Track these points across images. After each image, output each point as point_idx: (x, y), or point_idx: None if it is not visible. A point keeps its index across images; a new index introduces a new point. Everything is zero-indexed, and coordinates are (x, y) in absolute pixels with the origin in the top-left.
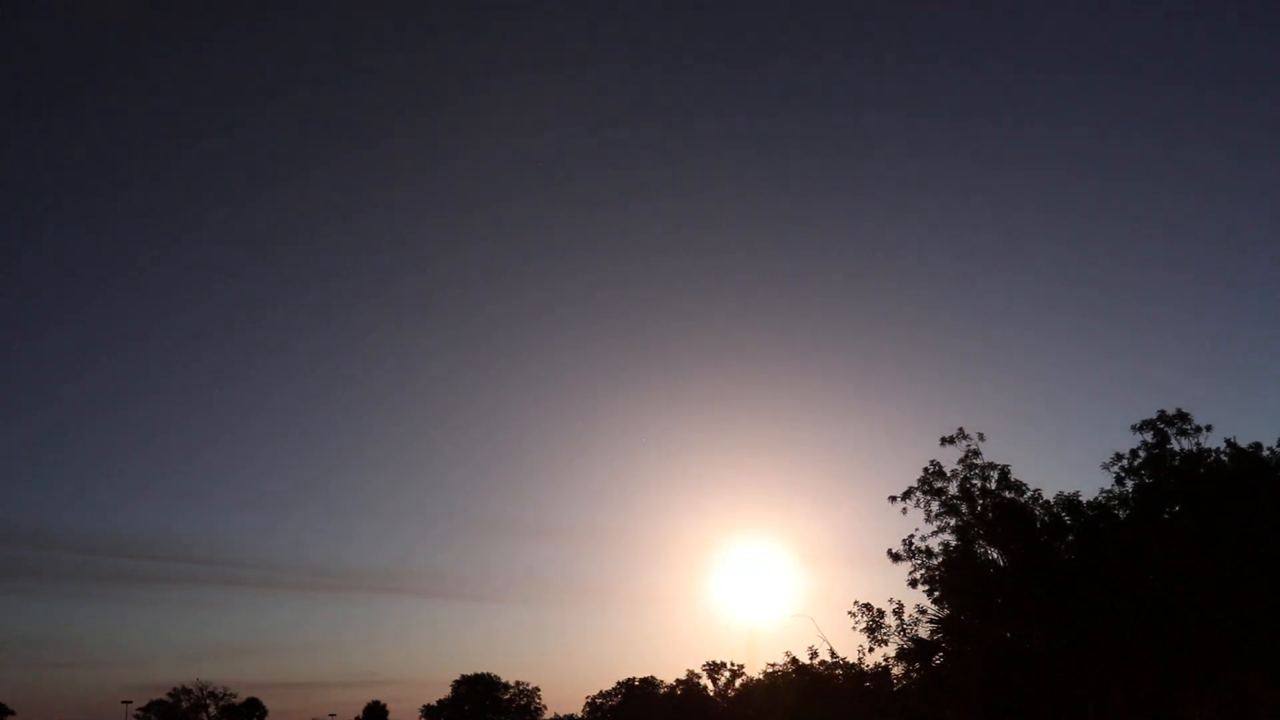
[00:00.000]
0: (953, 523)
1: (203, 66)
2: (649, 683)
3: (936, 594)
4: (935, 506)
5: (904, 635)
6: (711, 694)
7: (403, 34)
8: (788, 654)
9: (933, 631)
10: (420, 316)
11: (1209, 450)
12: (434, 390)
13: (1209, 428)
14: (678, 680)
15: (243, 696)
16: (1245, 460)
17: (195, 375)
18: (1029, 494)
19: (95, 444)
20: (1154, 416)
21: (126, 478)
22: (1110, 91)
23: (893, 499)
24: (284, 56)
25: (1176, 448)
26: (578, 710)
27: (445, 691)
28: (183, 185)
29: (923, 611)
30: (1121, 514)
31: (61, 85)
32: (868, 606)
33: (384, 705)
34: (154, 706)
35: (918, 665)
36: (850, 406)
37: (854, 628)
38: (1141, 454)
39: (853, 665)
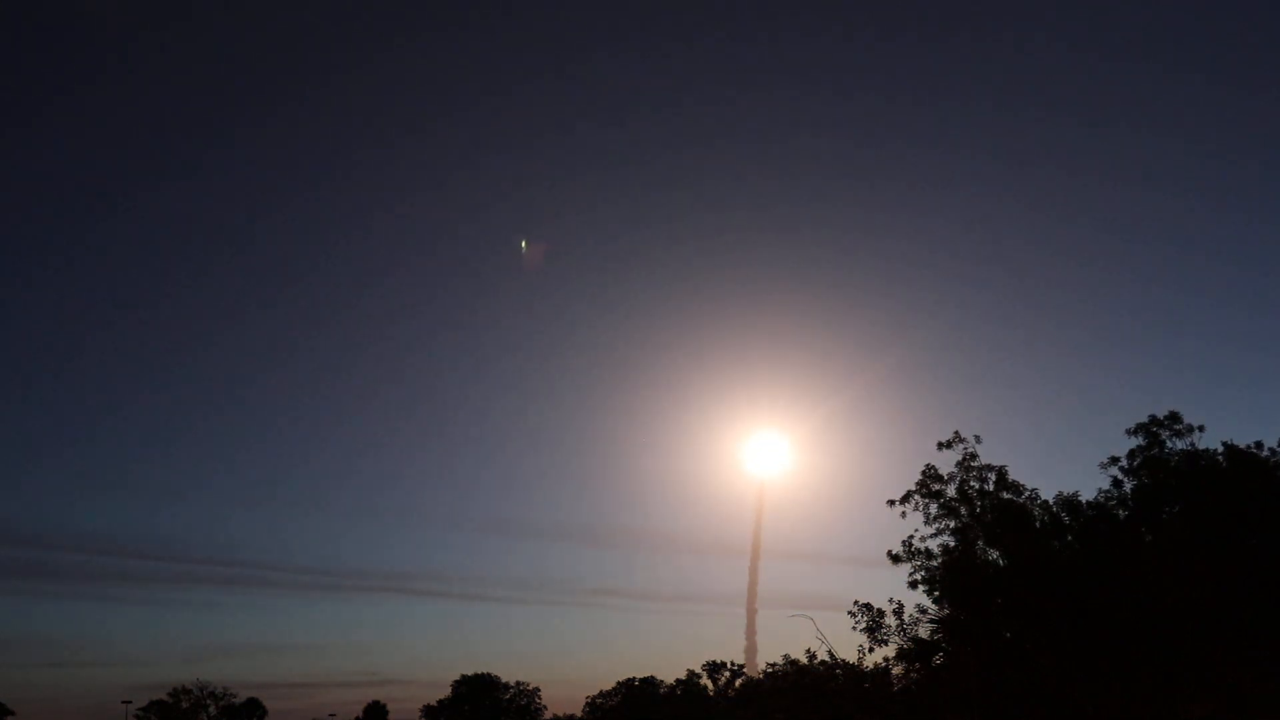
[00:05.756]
0: (951, 524)
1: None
2: (649, 683)
3: (936, 594)
4: (934, 509)
5: (904, 635)
6: (711, 694)
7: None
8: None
9: (933, 632)
10: (420, 317)
11: (1204, 451)
12: (434, 390)
13: (1201, 428)
14: (678, 680)
15: (243, 696)
16: (1242, 460)
17: (195, 376)
18: (1027, 494)
19: (95, 444)
20: (1146, 420)
21: (126, 477)
22: (1111, 92)
23: (891, 503)
24: (278, 59)
25: (1171, 448)
26: (578, 710)
27: (445, 691)
28: (184, 189)
29: (923, 611)
30: (1121, 514)
31: (56, 82)
32: (868, 606)
33: (384, 705)
34: (154, 706)
35: (918, 665)
36: (848, 408)
37: (854, 628)
38: (1139, 456)
39: (852, 665)
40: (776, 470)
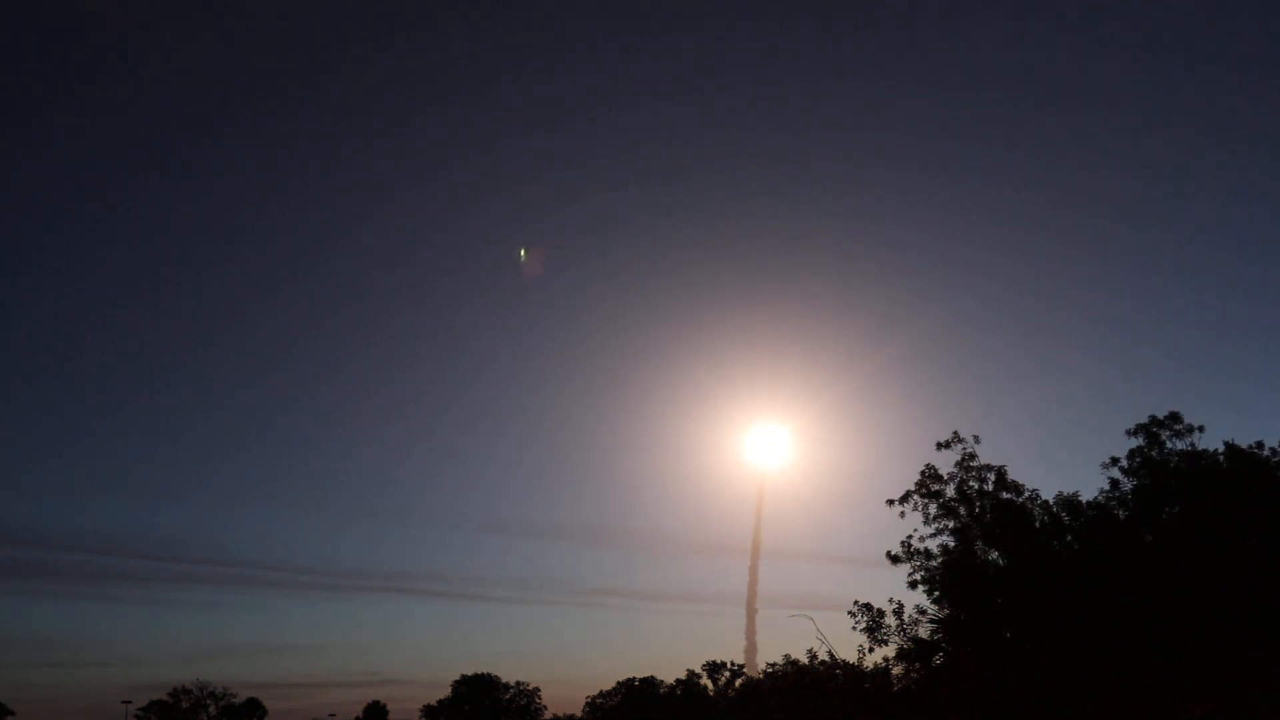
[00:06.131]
0: (951, 524)
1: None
2: (649, 683)
3: (936, 594)
4: (933, 509)
5: (904, 635)
6: (711, 694)
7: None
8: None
9: (933, 632)
10: (419, 316)
11: (1204, 451)
12: (434, 390)
13: (1201, 428)
14: (678, 680)
15: (243, 696)
16: (1243, 460)
17: (195, 376)
18: (1027, 494)
19: (95, 444)
20: (1146, 421)
21: (126, 477)
22: (1116, 85)
23: (890, 503)
24: (277, 61)
25: (1172, 448)
26: (578, 710)
27: (445, 691)
28: (183, 189)
29: (922, 612)
30: (1121, 514)
31: (56, 82)
32: (868, 606)
33: (384, 705)
34: (154, 706)
35: (918, 665)
36: (847, 399)
37: (854, 628)
38: (1139, 456)
39: (852, 665)
40: (777, 461)
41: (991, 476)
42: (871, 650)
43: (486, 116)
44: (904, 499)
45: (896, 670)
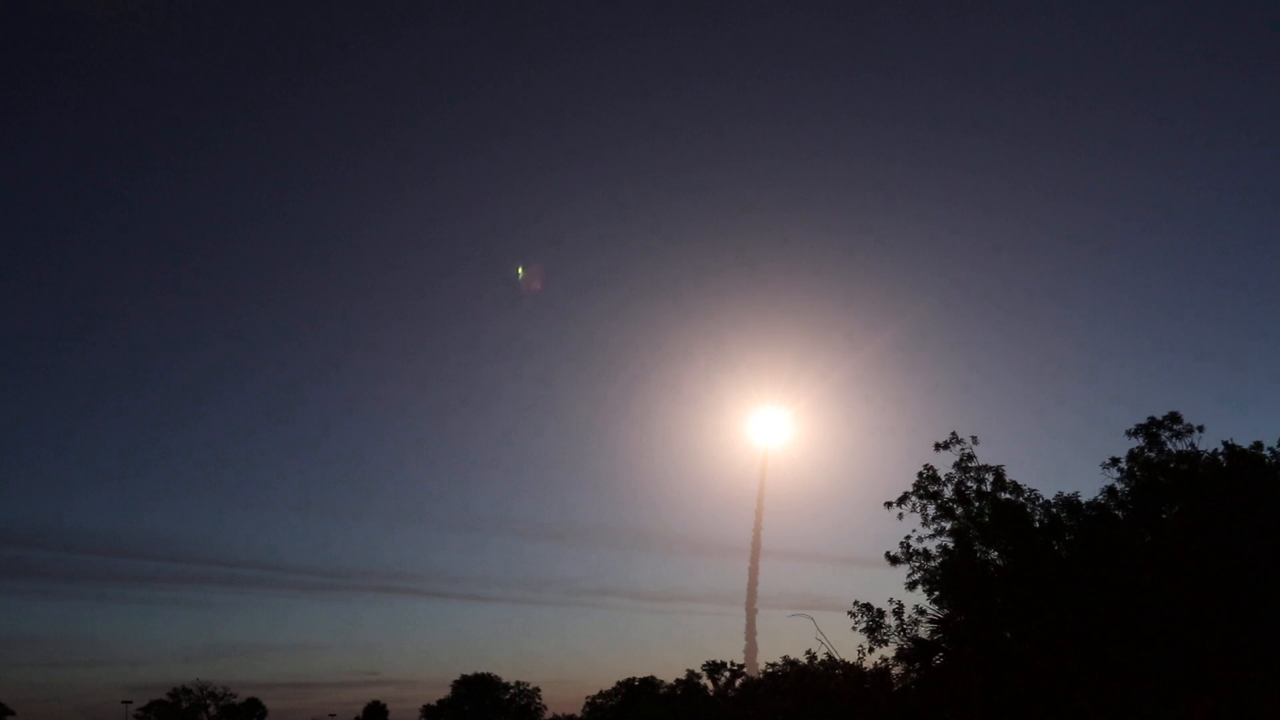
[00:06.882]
0: (949, 525)
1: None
2: (649, 683)
3: (935, 595)
4: (931, 510)
5: (904, 636)
6: (711, 694)
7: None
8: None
9: (932, 632)
10: (418, 316)
11: (1204, 451)
12: (434, 390)
13: (1201, 428)
14: (678, 680)
15: (243, 696)
16: (1242, 460)
17: (195, 375)
18: (1026, 495)
19: (95, 444)
20: (1145, 421)
21: (126, 477)
22: (1111, 87)
23: (888, 504)
24: (274, 58)
25: (1171, 449)
26: (578, 710)
27: (445, 691)
28: (177, 187)
29: (922, 612)
30: (1120, 514)
31: (54, 82)
32: (867, 607)
33: (384, 705)
34: (154, 706)
35: (917, 666)
36: (846, 407)
37: (854, 628)
38: (1137, 459)
39: (852, 665)
40: (779, 440)
41: (990, 477)
42: (871, 650)
43: (493, 123)
44: (901, 500)
45: (896, 670)
